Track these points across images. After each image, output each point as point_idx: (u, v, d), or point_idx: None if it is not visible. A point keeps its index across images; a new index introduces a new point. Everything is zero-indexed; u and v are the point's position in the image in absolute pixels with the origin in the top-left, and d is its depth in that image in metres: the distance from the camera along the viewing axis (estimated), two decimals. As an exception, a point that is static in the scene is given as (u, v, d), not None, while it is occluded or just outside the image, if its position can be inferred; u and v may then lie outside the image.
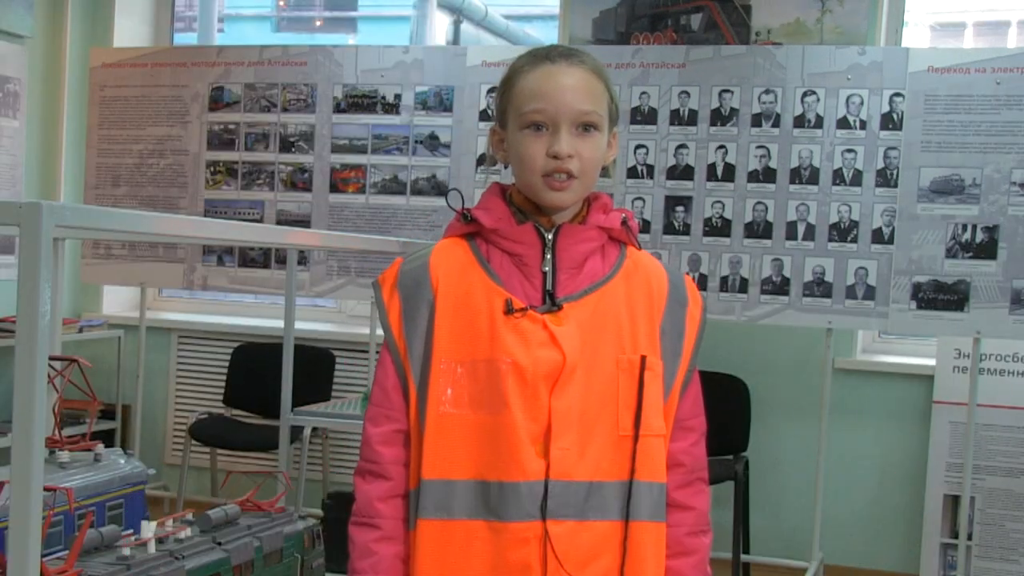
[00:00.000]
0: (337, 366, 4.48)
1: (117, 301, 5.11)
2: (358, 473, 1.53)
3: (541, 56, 1.51)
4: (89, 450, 2.14)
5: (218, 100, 4.40)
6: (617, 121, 1.56)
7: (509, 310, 1.45)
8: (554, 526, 1.42)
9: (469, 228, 1.53)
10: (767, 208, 3.78)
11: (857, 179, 3.70)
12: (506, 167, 1.56)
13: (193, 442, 4.36)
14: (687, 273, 1.68)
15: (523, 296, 1.47)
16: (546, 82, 1.48)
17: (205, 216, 4.35)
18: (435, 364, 1.47)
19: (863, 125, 3.69)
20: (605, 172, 1.54)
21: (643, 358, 1.48)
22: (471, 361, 1.46)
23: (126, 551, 1.76)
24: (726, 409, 4.04)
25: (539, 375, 1.43)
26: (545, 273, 1.49)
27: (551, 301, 1.47)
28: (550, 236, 1.49)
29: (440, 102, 4.16)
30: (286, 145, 4.32)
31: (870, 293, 3.69)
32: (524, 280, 1.49)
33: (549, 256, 1.49)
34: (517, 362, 1.43)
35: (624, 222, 1.54)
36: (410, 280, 1.52)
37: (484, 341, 1.46)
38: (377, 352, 4.23)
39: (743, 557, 3.89)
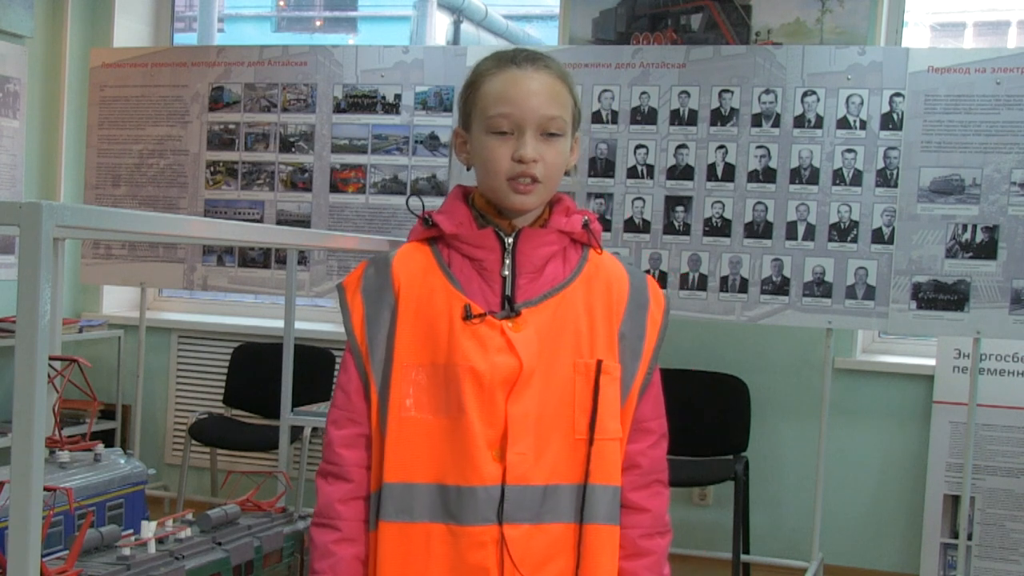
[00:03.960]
0: (337, 366, 4.47)
1: (117, 301, 5.11)
2: (320, 475, 1.55)
3: (506, 60, 1.51)
4: (89, 450, 2.13)
5: (218, 100, 4.40)
6: (579, 125, 1.57)
7: (467, 316, 1.46)
8: (510, 530, 1.43)
9: (431, 233, 1.54)
10: (767, 208, 3.78)
11: (857, 179, 3.70)
12: (468, 169, 1.57)
13: (193, 442, 4.36)
14: (649, 273, 1.68)
15: (482, 301, 1.48)
16: (512, 87, 1.48)
17: (205, 216, 4.35)
18: (396, 368, 1.48)
19: (863, 125, 3.69)
20: (566, 173, 1.55)
21: (599, 362, 1.48)
22: (431, 365, 1.47)
23: (126, 551, 1.75)
24: (726, 409, 4.05)
25: (496, 381, 1.44)
26: (504, 278, 1.49)
27: (510, 307, 1.48)
28: (510, 240, 1.50)
29: (440, 102, 4.16)
30: (286, 145, 4.32)
31: (870, 293, 3.69)
32: (484, 285, 1.49)
33: (508, 261, 1.50)
34: (474, 368, 1.44)
35: (586, 224, 1.54)
36: (373, 284, 1.53)
37: (443, 345, 1.47)
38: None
39: (743, 557, 3.89)
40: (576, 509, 1.47)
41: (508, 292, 1.49)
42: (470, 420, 1.44)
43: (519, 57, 1.51)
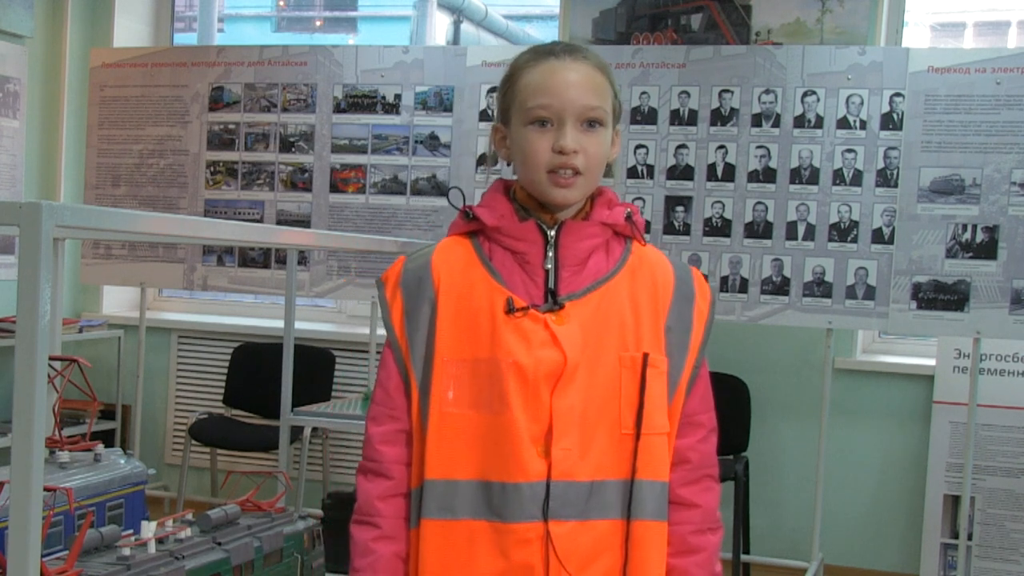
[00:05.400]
0: (337, 366, 4.48)
1: (117, 301, 5.11)
2: (360, 472, 1.53)
3: (545, 52, 1.49)
4: (89, 450, 2.14)
5: (218, 100, 4.40)
6: (620, 118, 1.54)
7: (510, 309, 1.44)
8: (556, 527, 1.41)
9: (471, 226, 1.52)
10: (767, 208, 3.79)
11: (857, 179, 3.70)
12: (508, 165, 1.55)
13: (193, 442, 4.36)
14: (695, 266, 1.65)
15: (525, 294, 1.46)
16: (551, 77, 1.46)
17: (205, 216, 4.35)
18: (437, 363, 1.46)
19: (863, 125, 3.69)
20: (608, 170, 1.53)
21: (645, 355, 1.46)
22: (472, 360, 1.45)
23: (126, 551, 1.76)
24: (726, 409, 4.01)
25: (540, 375, 1.42)
26: (547, 271, 1.47)
27: (553, 299, 1.46)
28: (552, 233, 1.48)
29: (440, 102, 4.16)
30: (286, 145, 4.32)
31: (870, 293, 3.69)
32: (526, 278, 1.47)
33: (551, 253, 1.47)
34: (518, 362, 1.42)
35: (628, 217, 1.52)
36: (412, 278, 1.51)
37: (485, 340, 1.44)
38: (378, 352, 4.23)
39: (743, 557, 3.89)
40: (623, 505, 1.44)
41: (551, 285, 1.47)
42: (514, 415, 1.41)
43: (557, 48, 1.49)
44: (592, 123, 1.47)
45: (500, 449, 1.42)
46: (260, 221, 4.31)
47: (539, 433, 1.42)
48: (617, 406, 1.45)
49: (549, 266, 1.47)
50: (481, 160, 3.97)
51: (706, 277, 1.65)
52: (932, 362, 4.03)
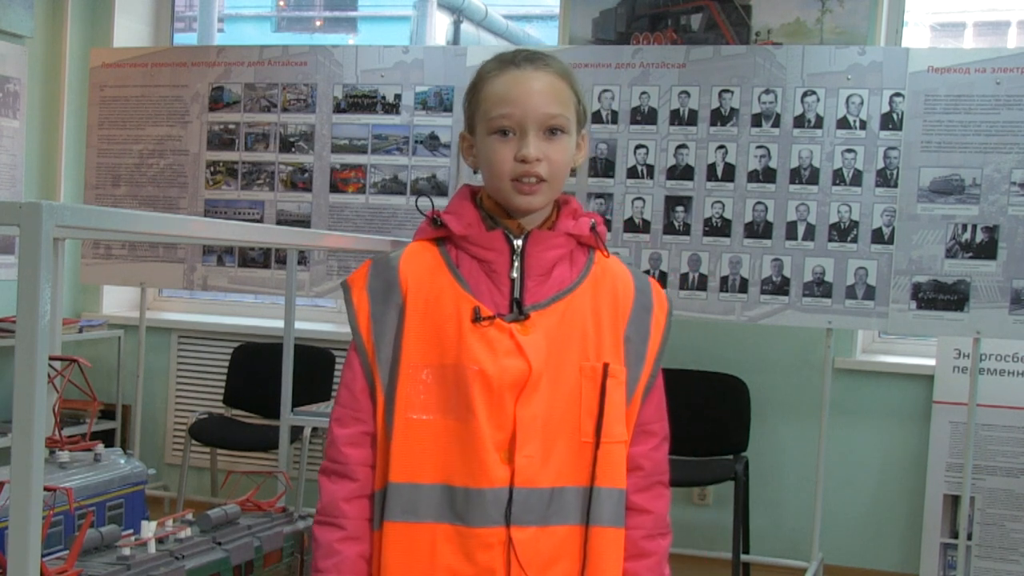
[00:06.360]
0: (337, 366, 4.48)
1: (117, 301, 5.11)
2: (323, 473, 1.55)
3: (507, 61, 1.52)
4: (89, 450, 2.13)
5: (218, 100, 4.40)
6: (585, 123, 1.57)
7: (477, 318, 1.46)
8: (518, 532, 1.44)
9: (439, 233, 1.54)
10: (767, 208, 3.78)
11: (857, 179, 3.70)
12: (476, 172, 1.57)
13: (193, 442, 4.36)
14: (652, 276, 1.69)
15: (491, 303, 1.48)
16: (513, 87, 1.49)
17: (205, 216, 4.35)
18: (403, 368, 1.48)
19: (863, 125, 3.69)
20: (572, 172, 1.56)
21: (606, 365, 1.49)
22: (439, 366, 1.47)
23: (126, 551, 1.75)
24: (726, 409, 4.05)
25: (505, 384, 1.45)
26: (513, 280, 1.49)
27: (518, 309, 1.48)
28: (519, 243, 1.50)
29: (440, 102, 4.15)
30: (286, 145, 4.32)
31: (870, 293, 3.69)
32: (492, 287, 1.49)
33: (517, 263, 1.50)
34: (484, 370, 1.44)
35: (593, 227, 1.55)
36: (380, 283, 1.53)
37: (452, 347, 1.46)
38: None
39: (743, 557, 3.89)
40: (582, 511, 1.47)
41: (517, 294, 1.49)
42: (479, 422, 1.44)
43: (519, 57, 1.52)
44: (554, 131, 1.49)
45: (464, 455, 1.45)
46: (260, 221, 4.31)
47: (503, 440, 1.45)
48: (577, 415, 1.48)
49: (515, 275, 1.50)
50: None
51: (660, 283, 1.68)
52: (932, 362, 4.03)
